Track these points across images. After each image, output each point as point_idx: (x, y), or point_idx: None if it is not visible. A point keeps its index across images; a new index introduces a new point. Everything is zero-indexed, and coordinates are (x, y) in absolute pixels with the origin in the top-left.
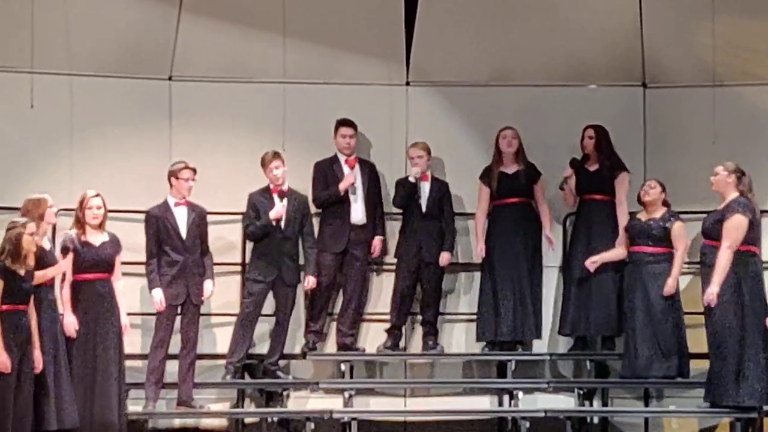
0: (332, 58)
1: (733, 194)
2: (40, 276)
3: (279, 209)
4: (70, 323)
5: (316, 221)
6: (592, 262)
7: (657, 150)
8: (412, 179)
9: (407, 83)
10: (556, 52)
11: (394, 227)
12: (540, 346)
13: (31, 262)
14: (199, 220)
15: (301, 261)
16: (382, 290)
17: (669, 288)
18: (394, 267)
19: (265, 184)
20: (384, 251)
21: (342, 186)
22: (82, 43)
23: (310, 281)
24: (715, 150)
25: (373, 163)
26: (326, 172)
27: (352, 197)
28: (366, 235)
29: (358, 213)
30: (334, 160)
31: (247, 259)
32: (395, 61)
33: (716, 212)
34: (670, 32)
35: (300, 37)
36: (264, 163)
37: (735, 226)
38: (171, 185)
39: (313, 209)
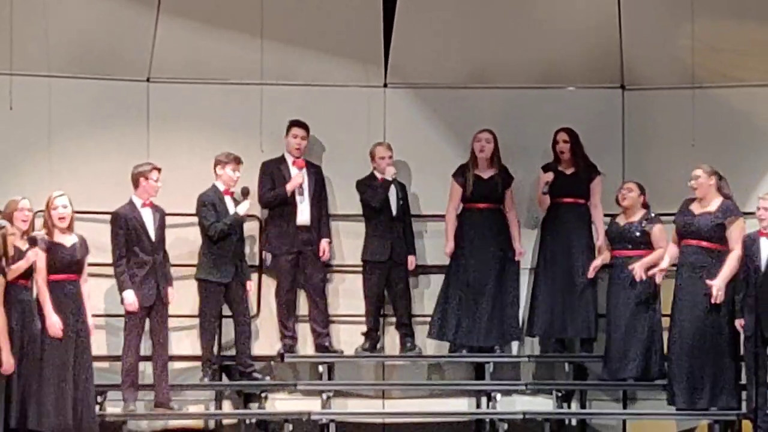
0: (310, 59)
1: (718, 197)
2: (14, 270)
3: (247, 205)
4: (54, 323)
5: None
6: (594, 268)
7: (635, 152)
8: (389, 178)
9: (385, 85)
10: (534, 54)
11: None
12: (518, 348)
13: (3, 261)
14: (161, 220)
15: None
16: (347, 291)
17: (638, 274)
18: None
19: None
20: (331, 254)
21: (289, 187)
22: (60, 44)
23: (249, 286)
24: (693, 152)
25: (320, 165)
26: (273, 173)
27: (298, 198)
28: (312, 237)
29: (303, 214)
30: (282, 160)
31: None
32: (373, 62)
33: (709, 214)
34: (648, 34)
35: (278, 39)
36: (225, 163)
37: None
38: (137, 186)
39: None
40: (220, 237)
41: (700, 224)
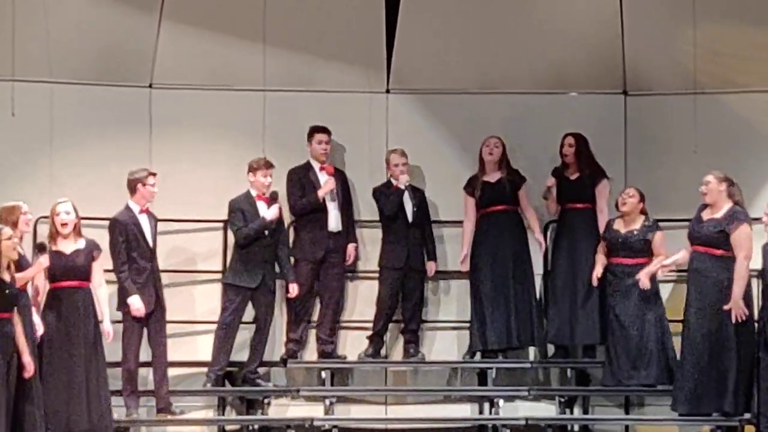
0: (312, 65)
1: (728, 203)
2: (21, 278)
3: (275, 211)
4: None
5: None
6: (597, 275)
7: (638, 158)
8: (402, 186)
9: (387, 91)
10: (537, 59)
11: (363, 235)
12: (521, 353)
13: (12, 268)
14: (155, 227)
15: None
16: (363, 298)
17: (643, 284)
18: (371, 274)
19: (244, 191)
20: (357, 258)
21: (321, 193)
22: (62, 50)
23: (294, 289)
24: (696, 158)
25: (343, 171)
26: (302, 180)
27: (330, 204)
28: (341, 243)
29: (335, 220)
30: (308, 167)
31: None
32: (375, 68)
33: (715, 221)
34: (651, 40)
35: (280, 45)
36: (255, 168)
37: (746, 236)
38: (135, 192)
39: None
40: (246, 242)
41: (704, 231)
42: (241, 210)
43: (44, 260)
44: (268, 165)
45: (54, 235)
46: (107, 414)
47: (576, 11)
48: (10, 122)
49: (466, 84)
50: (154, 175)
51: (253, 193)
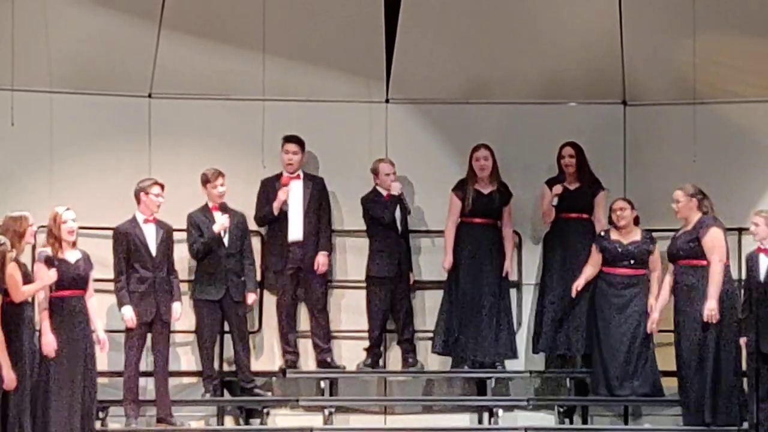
0: (312, 75)
1: (697, 215)
2: (27, 290)
3: (224, 221)
4: (49, 343)
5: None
6: (577, 287)
7: (637, 168)
8: (395, 193)
9: (387, 100)
10: (535, 69)
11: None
12: (520, 363)
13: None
14: (167, 237)
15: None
16: (351, 307)
17: (662, 303)
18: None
19: (203, 203)
20: (328, 267)
21: (274, 206)
22: (61, 60)
23: (251, 297)
24: (695, 167)
25: (322, 177)
26: (269, 190)
27: (290, 214)
28: (308, 252)
29: (295, 231)
30: (278, 177)
31: None
32: (375, 78)
33: (686, 233)
34: (650, 49)
35: (280, 55)
36: (207, 180)
37: (717, 239)
38: (139, 202)
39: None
40: (198, 255)
41: (679, 244)
42: (196, 224)
43: (53, 274)
44: (216, 175)
45: (59, 242)
46: (93, 424)
47: (575, 21)
48: (10, 132)
49: (465, 94)
50: (160, 185)
51: (210, 204)
